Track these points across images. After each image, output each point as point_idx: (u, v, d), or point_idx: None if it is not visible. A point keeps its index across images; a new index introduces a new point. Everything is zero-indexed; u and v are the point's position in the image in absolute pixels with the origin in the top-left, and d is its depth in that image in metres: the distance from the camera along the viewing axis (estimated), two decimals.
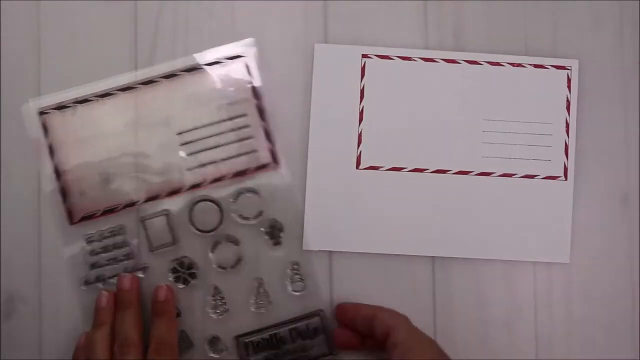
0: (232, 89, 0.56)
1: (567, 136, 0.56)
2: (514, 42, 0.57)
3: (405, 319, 0.52)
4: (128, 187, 0.55)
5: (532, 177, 0.56)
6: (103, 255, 0.55)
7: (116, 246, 0.55)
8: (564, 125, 0.56)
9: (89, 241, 0.55)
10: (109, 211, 0.55)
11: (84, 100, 0.56)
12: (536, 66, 0.56)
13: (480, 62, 0.56)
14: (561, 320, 0.56)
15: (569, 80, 0.56)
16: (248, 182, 0.56)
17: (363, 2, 0.57)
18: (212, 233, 0.55)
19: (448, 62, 0.56)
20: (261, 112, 0.56)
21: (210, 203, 0.56)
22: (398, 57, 0.56)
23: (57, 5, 0.56)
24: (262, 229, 0.55)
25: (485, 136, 0.56)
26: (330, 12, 0.56)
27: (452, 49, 0.56)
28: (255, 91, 0.56)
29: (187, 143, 0.56)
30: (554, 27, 0.57)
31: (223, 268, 0.55)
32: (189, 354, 0.55)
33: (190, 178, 0.56)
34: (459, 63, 0.56)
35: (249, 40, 0.56)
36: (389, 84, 0.56)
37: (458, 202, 0.56)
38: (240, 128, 0.56)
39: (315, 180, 0.55)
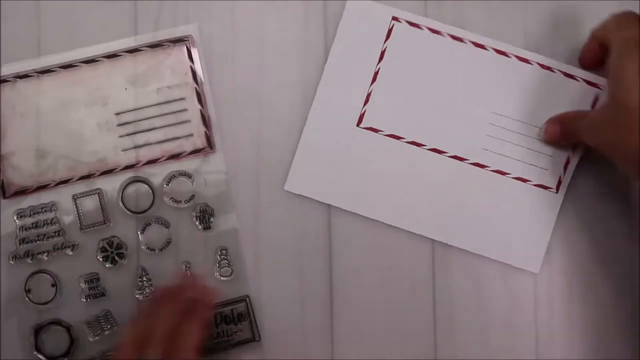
0: (172, 72, 0.56)
1: (571, 152, 0.55)
2: (514, 42, 0.56)
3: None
4: (62, 165, 0.55)
5: (525, 181, 0.55)
6: (33, 231, 0.55)
7: (47, 223, 0.55)
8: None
9: (21, 216, 0.55)
10: (42, 187, 0.56)
11: (24, 75, 0.56)
12: (566, 75, 0.55)
13: (509, 55, 0.55)
14: (561, 320, 0.56)
15: (595, 99, 0.55)
16: (182, 166, 0.56)
17: None
18: (143, 214, 0.55)
19: (475, 46, 0.55)
20: (199, 96, 0.56)
21: (143, 184, 0.56)
22: (427, 27, 0.55)
23: None
24: (193, 213, 0.55)
25: (490, 129, 0.55)
26: (330, 12, 0.56)
27: None
28: (195, 75, 0.56)
29: (124, 124, 0.56)
30: (554, 27, 0.57)
31: (152, 250, 0.55)
32: (112, 334, 0.55)
33: (125, 158, 0.56)
34: (486, 50, 0.55)
35: (192, 25, 0.56)
36: (411, 52, 0.55)
37: (446, 185, 0.55)
38: (177, 111, 0.56)
39: (313, 127, 0.55)
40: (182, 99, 0.56)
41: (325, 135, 0.55)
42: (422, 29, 0.55)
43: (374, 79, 0.55)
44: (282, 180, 0.56)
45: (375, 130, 0.55)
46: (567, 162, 0.55)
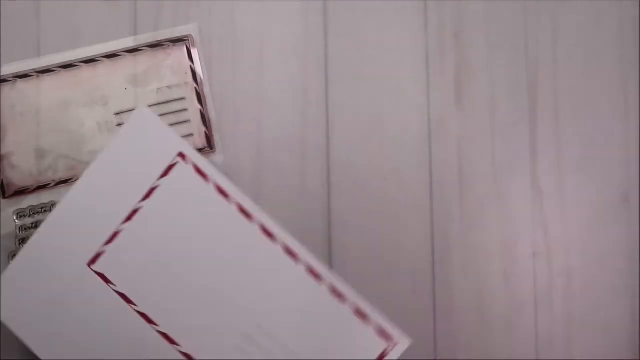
0: (172, 72, 0.56)
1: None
2: (514, 41, 0.56)
3: None
4: (62, 165, 0.55)
5: None
6: (33, 231, 0.55)
7: None
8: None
9: (20, 216, 0.55)
10: (42, 187, 0.55)
11: (24, 75, 0.56)
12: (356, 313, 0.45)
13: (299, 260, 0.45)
14: (561, 320, 0.56)
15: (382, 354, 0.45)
16: None
17: (363, 2, 0.57)
18: None
19: (266, 237, 0.45)
20: (199, 96, 0.56)
21: None
22: (215, 185, 0.45)
23: None
24: None
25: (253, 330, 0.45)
26: (330, 12, 0.56)
27: (452, 49, 0.56)
28: (195, 75, 0.56)
29: (124, 124, 0.56)
30: (554, 27, 0.57)
31: None
32: None
33: None
34: (275, 243, 0.45)
35: (192, 25, 0.56)
36: (185, 205, 0.45)
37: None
38: (177, 111, 0.56)
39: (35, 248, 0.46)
40: (182, 99, 0.56)
41: (49, 264, 0.45)
42: (208, 182, 0.45)
43: (130, 218, 0.45)
44: (282, 179, 0.56)
45: (107, 281, 0.45)
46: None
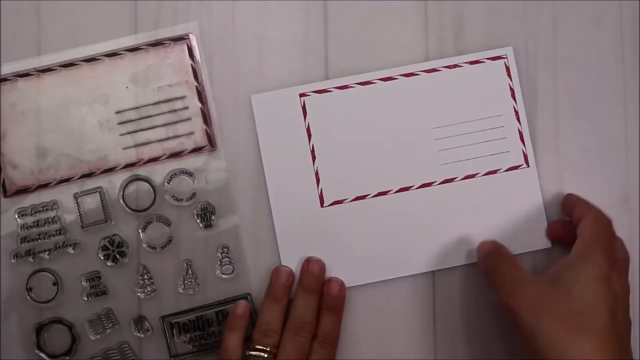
0: (172, 70, 0.56)
1: (519, 124, 0.56)
2: (514, 42, 0.56)
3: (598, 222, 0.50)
4: (63, 163, 0.55)
5: (495, 172, 0.55)
6: (35, 229, 0.55)
7: (48, 221, 0.55)
8: (514, 114, 0.56)
9: (22, 215, 0.55)
10: (43, 186, 0.56)
11: (24, 74, 0.56)
12: (472, 63, 0.56)
13: (417, 73, 0.56)
14: None
15: (507, 68, 0.56)
16: (183, 164, 0.56)
17: (363, 2, 0.57)
18: (144, 213, 0.55)
19: (385, 81, 0.56)
20: (200, 94, 0.56)
21: (144, 183, 0.56)
22: (335, 87, 0.55)
23: None
24: (194, 211, 0.55)
25: (439, 144, 0.55)
26: (330, 12, 0.56)
27: (452, 49, 0.56)
28: (195, 73, 0.56)
29: (125, 122, 0.56)
30: (554, 27, 0.57)
31: (153, 248, 0.55)
32: (114, 332, 0.55)
33: (125, 157, 0.56)
34: (395, 79, 0.56)
35: (192, 23, 0.56)
36: (332, 116, 0.55)
37: (430, 215, 0.55)
38: (178, 110, 0.56)
39: (283, 222, 0.55)
40: (183, 97, 0.56)
41: (295, 219, 0.55)
42: (330, 91, 0.55)
43: (314, 158, 0.55)
44: None
45: (340, 202, 0.55)
46: (521, 135, 0.55)
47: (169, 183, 0.55)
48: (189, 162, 0.56)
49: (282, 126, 0.55)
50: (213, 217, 0.55)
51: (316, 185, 0.55)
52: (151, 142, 0.56)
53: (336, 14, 0.57)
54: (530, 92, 0.57)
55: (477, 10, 0.57)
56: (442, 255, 0.55)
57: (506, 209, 0.55)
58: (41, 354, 0.54)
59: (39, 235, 0.55)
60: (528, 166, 0.56)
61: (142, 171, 0.56)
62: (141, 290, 0.55)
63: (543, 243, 0.55)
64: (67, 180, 0.55)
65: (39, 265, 0.55)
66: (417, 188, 0.55)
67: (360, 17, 0.57)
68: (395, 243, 0.55)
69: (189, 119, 0.56)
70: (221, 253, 0.55)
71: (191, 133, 0.56)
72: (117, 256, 0.55)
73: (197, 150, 0.56)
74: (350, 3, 0.57)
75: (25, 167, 0.55)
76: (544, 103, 0.57)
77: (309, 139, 0.55)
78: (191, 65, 0.56)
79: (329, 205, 0.55)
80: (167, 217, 0.55)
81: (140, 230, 0.55)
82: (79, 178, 0.56)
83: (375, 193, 0.55)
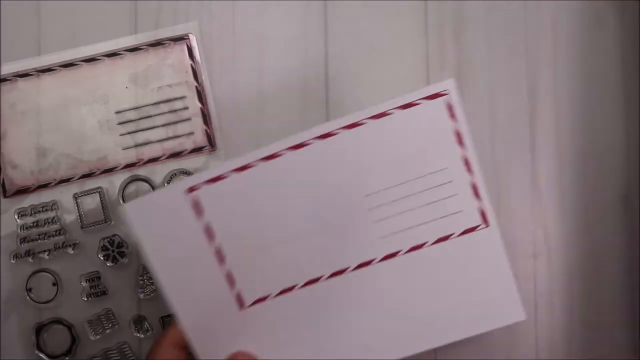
0: (172, 70, 0.56)
1: (471, 175, 0.46)
2: (514, 42, 0.56)
3: None
4: (63, 163, 0.55)
5: (447, 237, 0.46)
6: (34, 230, 0.55)
7: (48, 221, 0.55)
8: (463, 163, 0.46)
9: (22, 215, 0.55)
10: (43, 186, 0.55)
11: (24, 74, 0.56)
12: (404, 107, 0.45)
13: (334, 132, 0.45)
14: (561, 320, 0.56)
15: (449, 107, 0.45)
16: (183, 164, 0.56)
17: (363, 2, 0.57)
18: None
19: (295, 149, 0.45)
20: (200, 94, 0.56)
21: (144, 183, 0.56)
22: (232, 171, 0.45)
23: None
24: None
25: (374, 214, 0.46)
26: (330, 12, 0.56)
27: (453, 50, 0.56)
28: (195, 73, 0.56)
29: (125, 122, 0.56)
30: (554, 26, 0.57)
31: None
32: (114, 333, 0.55)
33: (125, 157, 0.56)
34: (307, 144, 0.45)
35: (192, 23, 0.56)
36: (236, 205, 0.45)
37: (373, 299, 0.46)
38: (178, 110, 0.56)
39: (200, 337, 0.45)
40: (183, 97, 0.56)
41: (214, 329, 0.46)
42: (226, 176, 0.45)
43: (221, 259, 0.45)
44: None
45: (264, 299, 0.46)
46: (475, 187, 0.46)
47: (168, 183, 0.55)
48: (189, 163, 0.56)
49: (173, 233, 0.45)
50: None
51: (229, 289, 0.46)
52: (151, 142, 0.56)
53: (336, 14, 0.56)
54: (530, 92, 0.57)
55: (477, 10, 0.57)
56: (392, 345, 0.47)
57: (466, 281, 0.47)
58: (41, 355, 0.54)
59: (39, 235, 0.55)
60: (488, 225, 0.47)
61: (142, 171, 0.56)
62: (141, 290, 0.55)
63: (517, 315, 0.48)
64: (67, 180, 0.55)
65: (38, 265, 0.55)
66: (354, 269, 0.46)
67: (360, 17, 0.57)
68: (334, 337, 0.46)
69: (188, 119, 0.56)
70: None
71: (191, 133, 0.56)
72: (117, 256, 0.55)
73: (197, 150, 0.56)
74: (350, 3, 0.57)
75: (25, 167, 0.55)
76: (544, 103, 0.57)
77: (212, 240, 0.45)
78: (191, 65, 0.56)
79: (251, 306, 0.46)
80: None
81: None
82: (78, 178, 0.55)
83: (304, 282, 0.46)
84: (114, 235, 0.55)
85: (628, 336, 0.56)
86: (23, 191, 0.55)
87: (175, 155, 0.56)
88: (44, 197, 0.55)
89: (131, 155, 0.56)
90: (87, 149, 0.56)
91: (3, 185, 0.55)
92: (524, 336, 0.56)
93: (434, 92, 0.45)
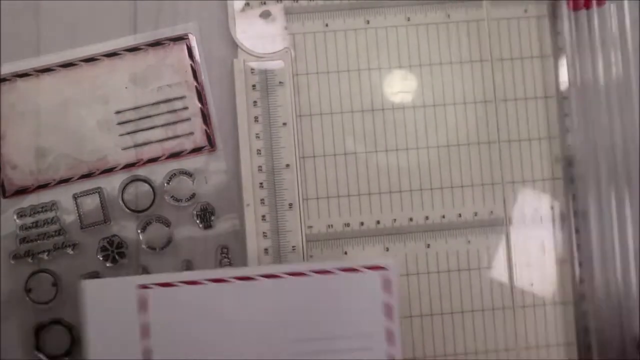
0: (172, 70, 0.56)
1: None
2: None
3: None
4: (63, 164, 0.55)
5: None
6: (34, 230, 0.55)
7: (47, 222, 0.55)
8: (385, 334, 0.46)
9: (21, 215, 0.55)
10: (43, 186, 0.55)
11: (23, 74, 0.56)
12: (345, 270, 0.46)
13: (280, 275, 0.47)
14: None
15: (386, 283, 0.47)
16: (183, 164, 0.56)
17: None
18: (143, 213, 0.55)
19: (243, 280, 0.47)
20: (200, 94, 0.56)
21: (143, 183, 0.55)
22: (183, 282, 0.47)
23: None
24: (194, 212, 0.55)
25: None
26: None
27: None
28: (195, 73, 0.56)
29: (124, 122, 0.56)
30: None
31: (152, 249, 0.55)
32: None
33: (125, 157, 0.56)
34: (254, 279, 0.47)
35: (192, 23, 0.56)
36: (179, 315, 0.47)
37: None
38: (178, 110, 0.56)
39: None
40: (183, 97, 0.56)
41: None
42: (176, 285, 0.47)
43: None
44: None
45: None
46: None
47: (168, 183, 0.55)
48: (189, 163, 0.56)
49: (116, 318, 0.47)
50: (213, 218, 0.55)
51: None
52: (151, 142, 0.56)
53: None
54: None
55: None
56: None
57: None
58: (40, 355, 0.54)
59: (38, 236, 0.55)
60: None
61: (141, 171, 0.56)
62: None
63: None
64: (66, 180, 0.55)
65: (38, 266, 0.55)
66: None
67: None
68: None
69: (188, 119, 0.56)
70: (221, 253, 0.55)
71: (191, 133, 0.56)
72: (117, 257, 0.55)
73: (196, 150, 0.56)
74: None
75: (25, 168, 0.55)
76: None
77: (145, 339, 0.47)
78: (191, 65, 0.56)
79: None
80: (166, 217, 0.55)
81: (139, 231, 0.55)
82: (78, 178, 0.55)
83: None
84: (114, 235, 0.55)
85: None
86: (22, 191, 0.55)
87: (175, 155, 0.56)
88: (44, 197, 0.55)
89: (131, 156, 0.55)
90: (86, 149, 0.55)
91: (2, 186, 0.55)
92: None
93: (374, 265, 0.47)
